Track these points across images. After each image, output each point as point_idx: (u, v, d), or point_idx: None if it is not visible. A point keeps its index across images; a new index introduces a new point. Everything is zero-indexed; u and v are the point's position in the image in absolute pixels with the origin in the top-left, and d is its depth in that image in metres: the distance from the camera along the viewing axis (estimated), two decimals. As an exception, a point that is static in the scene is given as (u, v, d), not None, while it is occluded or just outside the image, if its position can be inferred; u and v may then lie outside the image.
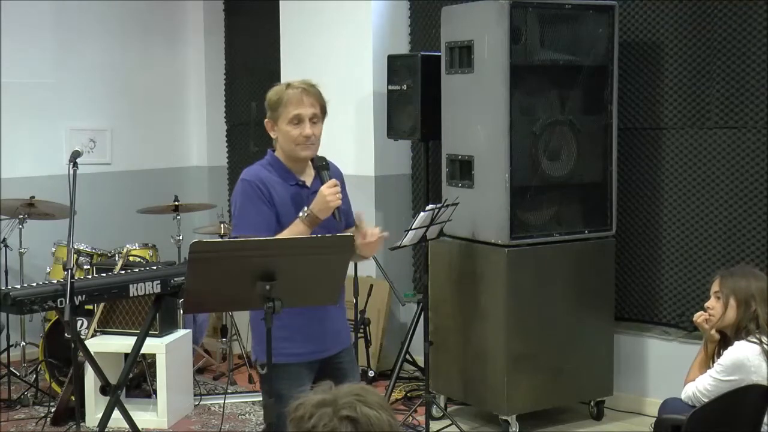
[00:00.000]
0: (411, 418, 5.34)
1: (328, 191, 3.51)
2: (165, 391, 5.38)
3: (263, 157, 3.69)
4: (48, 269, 6.07)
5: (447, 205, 4.91)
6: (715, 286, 3.98)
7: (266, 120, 3.64)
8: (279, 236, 3.48)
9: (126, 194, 7.21)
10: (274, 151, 3.67)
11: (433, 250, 5.36)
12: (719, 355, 3.91)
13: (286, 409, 1.93)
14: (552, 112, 5.20)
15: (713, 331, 3.99)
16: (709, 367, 3.93)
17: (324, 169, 3.62)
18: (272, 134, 3.64)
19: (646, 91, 5.49)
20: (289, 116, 3.55)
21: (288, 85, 3.62)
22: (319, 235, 3.50)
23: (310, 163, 3.66)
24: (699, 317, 4.03)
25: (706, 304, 4.01)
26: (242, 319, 6.49)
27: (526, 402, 5.20)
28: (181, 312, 5.69)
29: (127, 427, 4.26)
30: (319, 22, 6.50)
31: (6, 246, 6.01)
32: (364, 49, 6.29)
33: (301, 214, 3.51)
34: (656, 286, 5.53)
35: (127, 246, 5.76)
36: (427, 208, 4.84)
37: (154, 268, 4.51)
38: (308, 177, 3.65)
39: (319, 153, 3.68)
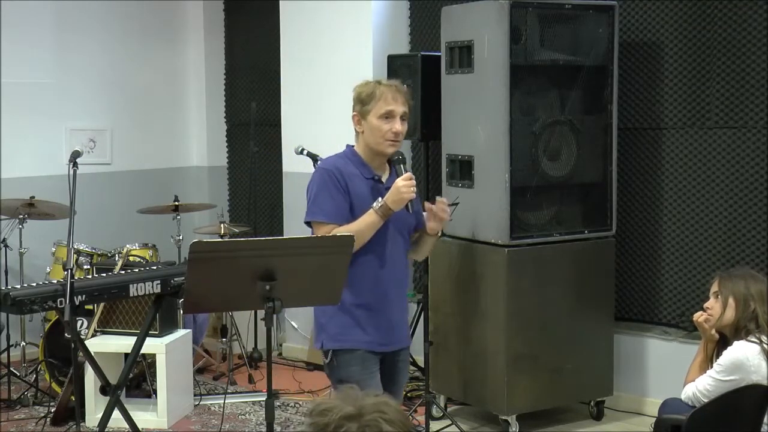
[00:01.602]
0: (411, 418, 5.34)
1: (403, 183, 3.60)
2: (165, 391, 5.38)
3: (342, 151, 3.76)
4: (48, 269, 6.07)
5: (447, 205, 4.90)
6: (714, 287, 3.99)
7: (353, 114, 3.70)
8: (350, 225, 3.56)
9: (126, 194, 7.21)
10: (352, 146, 3.75)
11: (433, 250, 5.35)
12: (719, 355, 3.91)
13: (309, 407, 1.97)
14: (552, 112, 5.20)
15: (713, 332, 3.99)
16: (708, 368, 3.93)
17: (401, 162, 3.70)
18: (358, 128, 3.71)
19: (646, 91, 5.49)
20: (381, 111, 3.63)
21: (378, 82, 3.71)
22: (319, 235, 3.51)
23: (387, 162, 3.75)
24: (699, 317, 4.03)
25: (706, 305, 4.01)
26: (242, 319, 6.50)
27: (526, 402, 5.20)
28: (181, 312, 5.69)
29: (127, 427, 4.25)
30: (319, 22, 6.49)
31: (6, 246, 6.00)
32: (364, 49, 6.28)
33: (374, 204, 3.60)
34: (656, 286, 5.53)
35: (127, 246, 5.76)
36: (427, 208, 4.83)
37: (154, 268, 4.51)
38: (384, 174, 3.74)
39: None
